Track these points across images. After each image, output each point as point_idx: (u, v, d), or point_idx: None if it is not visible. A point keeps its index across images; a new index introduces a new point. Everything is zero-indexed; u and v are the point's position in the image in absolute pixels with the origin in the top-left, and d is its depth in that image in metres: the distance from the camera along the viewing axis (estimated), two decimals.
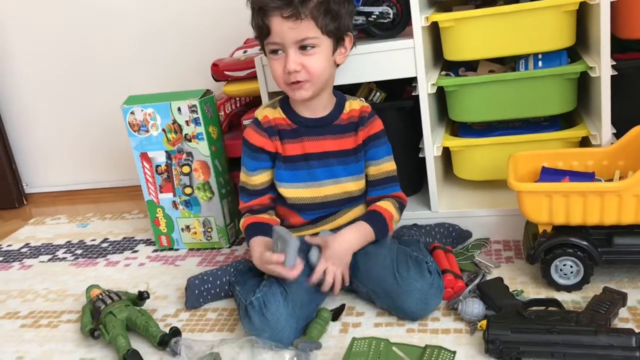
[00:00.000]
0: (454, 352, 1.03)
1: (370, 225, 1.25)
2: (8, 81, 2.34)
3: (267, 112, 1.30)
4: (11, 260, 1.85)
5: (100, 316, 1.30)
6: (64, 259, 1.80)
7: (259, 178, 1.31)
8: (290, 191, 1.30)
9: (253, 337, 1.12)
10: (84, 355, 1.27)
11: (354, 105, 1.31)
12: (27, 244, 1.96)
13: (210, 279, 1.40)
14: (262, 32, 1.18)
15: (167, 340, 1.21)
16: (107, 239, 1.90)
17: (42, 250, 1.89)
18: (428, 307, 1.19)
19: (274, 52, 1.20)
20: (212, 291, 1.39)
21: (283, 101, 1.30)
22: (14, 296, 1.60)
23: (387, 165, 1.32)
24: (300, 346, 1.08)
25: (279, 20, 1.14)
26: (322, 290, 1.20)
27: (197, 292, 1.39)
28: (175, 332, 1.22)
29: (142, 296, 1.36)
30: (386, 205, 1.30)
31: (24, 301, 1.56)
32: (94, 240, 1.91)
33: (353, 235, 1.24)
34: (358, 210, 1.35)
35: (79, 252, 1.83)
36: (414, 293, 1.17)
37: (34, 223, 2.16)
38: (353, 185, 1.31)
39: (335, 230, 1.32)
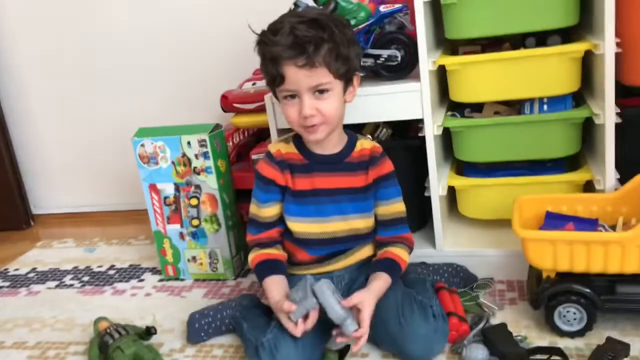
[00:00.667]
0: None
1: (390, 276, 1.26)
2: (18, 103, 2.37)
3: (280, 147, 1.32)
4: (18, 285, 1.86)
5: (108, 351, 1.31)
6: (71, 285, 1.81)
7: (269, 210, 1.32)
8: (298, 225, 1.31)
9: None
10: None
11: (365, 144, 1.33)
12: (34, 268, 1.98)
13: (211, 312, 1.42)
14: (276, 80, 1.19)
15: None
16: (113, 265, 1.92)
17: (50, 275, 1.91)
18: (432, 352, 1.20)
19: (288, 97, 1.22)
20: (213, 325, 1.40)
21: (296, 137, 1.32)
22: (21, 325, 1.61)
23: (396, 206, 1.34)
24: None
25: (294, 69, 1.16)
26: (353, 351, 1.19)
27: (197, 325, 1.40)
28: None
29: (149, 331, 1.37)
30: (401, 254, 1.31)
31: (31, 330, 1.57)
32: (100, 266, 1.92)
33: (379, 289, 1.23)
34: (366, 250, 1.36)
35: (85, 279, 1.85)
36: (418, 339, 1.18)
37: (42, 246, 2.18)
38: (361, 222, 1.32)
39: (346, 269, 1.34)
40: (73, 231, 2.31)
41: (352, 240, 1.34)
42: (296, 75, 1.16)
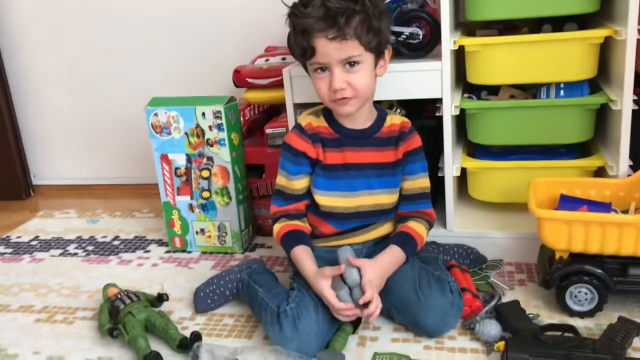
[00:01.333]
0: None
1: (403, 250, 1.26)
2: (24, 71, 2.34)
3: (311, 120, 1.31)
4: (21, 252, 1.85)
5: (119, 316, 1.31)
6: (75, 254, 1.81)
7: (300, 183, 1.31)
8: (326, 199, 1.31)
9: (277, 347, 1.14)
10: (101, 354, 1.28)
11: (395, 119, 1.34)
12: (37, 236, 1.97)
13: (215, 280, 1.43)
14: (306, 52, 1.18)
15: (186, 343, 1.23)
16: (118, 236, 1.91)
17: (53, 244, 1.90)
18: (447, 325, 1.21)
19: (318, 70, 1.21)
20: (218, 291, 1.41)
21: (325, 111, 1.32)
22: (27, 289, 1.60)
23: (421, 182, 1.34)
24: (324, 358, 1.10)
25: (324, 42, 1.15)
26: (367, 318, 1.17)
27: (202, 294, 1.41)
28: (197, 336, 1.24)
29: (161, 298, 1.37)
30: (418, 228, 1.31)
31: (37, 295, 1.57)
32: (105, 237, 1.92)
33: (390, 263, 1.24)
34: (389, 225, 1.37)
35: (90, 248, 1.84)
36: (434, 310, 1.20)
37: (43, 216, 2.16)
38: (387, 197, 1.33)
39: (364, 244, 1.35)
40: (74, 202, 2.30)
41: (376, 215, 1.34)
42: (326, 48, 1.16)
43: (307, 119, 1.32)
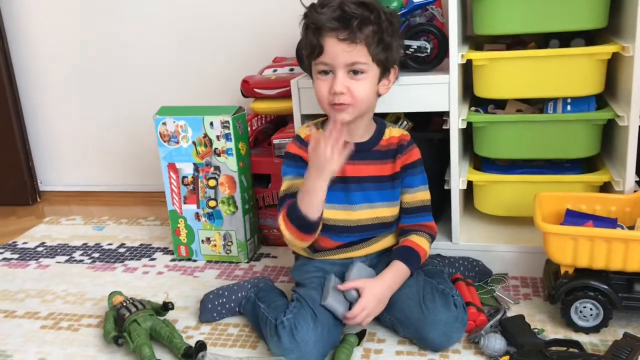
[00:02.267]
0: None
1: (407, 265, 1.27)
2: (32, 77, 2.36)
3: (310, 132, 1.32)
4: (27, 258, 1.86)
5: (124, 324, 1.31)
6: (81, 261, 1.81)
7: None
8: (326, 212, 1.30)
9: (281, 357, 1.14)
10: None
11: (394, 132, 1.34)
12: (43, 242, 1.98)
13: (226, 293, 1.42)
14: (314, 50, 1.19)
15: (190, 352, 1.23)
16: (124, 244, 1.92)
17: (59, 250, 1.90)
18: (451, 340, 1.21)
19: (322, 72, 1.22)
20: (227, 306, 1.41)
21: (325, 123, 1.33)
22: (33, 296, 1.61)
23: (421, 195, 1.35)
24: None
25: (334, 42, 1.17)
26: (347, 323, 1.22)
27: (210, 306, 1.41)
28: (201, 345, 1.24)
29: (166, 307, 1.38)
30: (421, 242, 1.32)
31: (43, 302, 1.57)
32: (110, 244, 1.92)
33: (393, 280, 1.25)
34: (390, 238, 1.37)
35: (96, 255, 1.85)
36: (438, 325, 1.20)
37: (49, 222, 2.17)
38: (387, 211, 1.33)
39: (367, 257, 1.35)
40: (80, 209, 2.31)
41: (377, 228, 1.34)
42: (335, 48, 1.17)
43: (306, 131, 1.34)
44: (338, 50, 1.17)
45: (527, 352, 1.13)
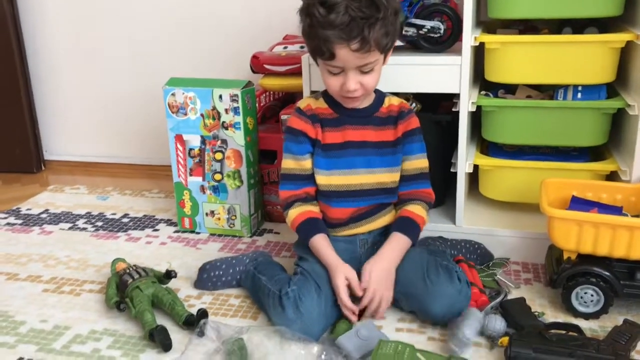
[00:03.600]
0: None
1: (406, 235, 1.28)
2: (41, 47, 2.35)
3: (310, 102, 1.34)
4: (31, 224, 1.87)
5: (126, 290, 1.32)
6: (84, 229, 1.82)
7: (307, 163, 1.33)
8: (327, 178, 1.32)
9: (282, 327, 1.15)
10: (107, 326, 1.29)
11: (393, 101, 1.35)
12: (47, 210, 1.98)
13: (223, 266, 1.43)
14: (324, 55, 1.17)
15: (192, 320, 1.24)
16: (127, 214, 1.92)
17: (62, 218, 1.91)
18: (454, 312, 1.21)
19: (332, 69, 1.21)
20: (223, 279, 1.42)
21: (325, 93, 1.33)
22: (36, 260, 1.62)
23: (420, 162, 1.36)
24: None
25: (346, 51, 1.14)
26: (368, 315, 1.22)
27: (205, 276, 1.43)
28: (203, 313, 1.25)
29: (169, 275, 1.38)
30: (417, 210, 1.33)
31: (45, 266, 1.58)
32: (114, 214, 1.93)
33: (393, 253, 1.26)
34: (390, 216, 1.38)
35: (99, 224, 1.85)
36: (442, 297, 1.20)
37: (53, 190, 2.17)
38: (387, 176, 1.34)
39: (370, 233, 1.36)
40: (84, 179, 2.31)
41: (379, 194, 1.35)
42: (347, 57, 1.15)
43: (306, 102, 1.35)
44: (350, 58, 1.16)
45: (527, 333, 1.13)
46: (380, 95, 1.35)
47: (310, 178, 1.33)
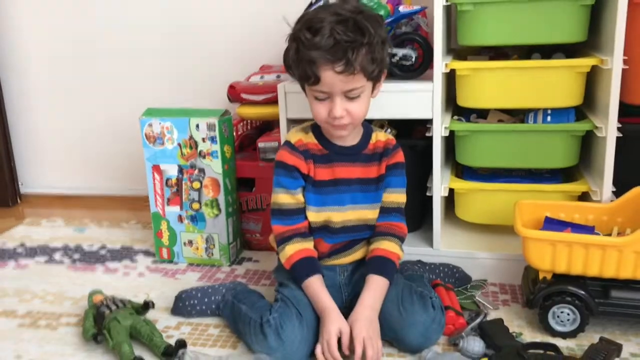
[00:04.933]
0: None
1: (383, 277, 1.27)
2: (16, 79, 2.35)
3: (301, 136, 1.32)
4: (6, 258, 1.84)
5: (104, 322, 1.30)
6: (61, 262, 1.80)
7: (301, 197, 1.32)
8: (316, 215, 1.32)
9: (262, 355, 1.14)
10: None
11: (380, 136, 1.36)
12: (23, 243, 1.96)
13: (199, 295, 1.43)
14: (309, 80, 1.18)
15: (171, 351, 1.23)
16: (105, 245, 1.90)
17: (38, 251, 1.88)
18: (429, 341, 1.22)
19: (318, 96, 1.21)
20: (198, 307, 1.42)
21: (314, 127, 1.33)
22: (10, 295, 1.59)
23: (398, 196, 1.36)
24: None
25: (331, 74, 1.15)
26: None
27: (181, 305, 1.43)
28: (182, 343, 1.24)
29: (147, 306, 1.37)
30: (392, 248, 1.32)
31: (21, 300, 1.56)
32: (91, 245, 1.91)
33: (373, 298, 1.24)
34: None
35: (76, 256, 1.83)
36: (416, 326, 1.21)
37: (29, 223, 2.15)
38: (370, 213, 1.34)
39: (351, 264, 1.37)
40: (61, 212, 2.28)
41: (361, 230, 1.35)
42: (332, 80, 1.16)
43: (297, 136, 1.33)
44: (336, 81, 1.16)
45: (505, 354, 1.14)
46: (367, 131, 1.35)
47: (303, 212, 1.32)
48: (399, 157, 1.36)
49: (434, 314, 1.22)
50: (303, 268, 1.28)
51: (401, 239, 1.36)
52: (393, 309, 1.24)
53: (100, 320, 1.32)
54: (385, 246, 1.32)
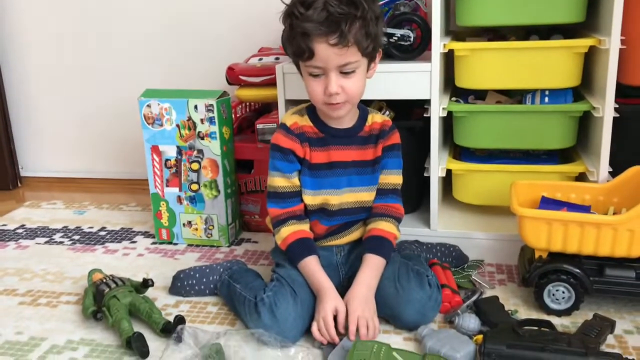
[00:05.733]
0: None
1: (380, 256, 1.27)
2: (16, 63, 2.35)
3: (296, 119, 1.31)
4: (7, 239, 1.85)
5: (103, 299, 1.32)
6: (61, 242, 1.81)
7: (297, 180, 1.32)
8: (313, 198, 1.32)
9: (260, 330, 1.15)
10: (84, 336, 1.29)
11: (376, 118, 1.36)
12: (23, 225, 1.97)
13: (197, 275, 1.44)
14: (304, 54, 1.17)
15: (169, 327, 1.24)
16: (104, 227, 1.92)
17: (39, 232, 1.90)
18: (425, 319, 1.23)
19: (313, 72, 1.20)
20: (196, 287, 1.43)
21: (309, 110, 1.33)
22: (11, 274, 1.61)
23: (395, 178, 1.37)
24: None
25: (325, 46, 1.14)
26: (361, 338, 1.16)
27: (179, 284, 1.44)
28: (180, 320, 1.25)
29: (146, 284, 1.38)
30: (389, 228, 1.32)
31: (21, 279, 1.57)
32: (91, 227, 1.92)
33: (371, 278, 1.25)
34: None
35: (76, 237, 1.84)
36: (412, 303, 1.22)
37: (30, 206, 2.16)
38: (367, 195, 1.35)
39: (348, 244, 1.38)
40: (61, 195, 2.30)
41: (358, 212, 1.36)
42: (326, 52, 1.15)
43: (292, 119, 1.32)
44: (330, 54, 1.15)
45: (500, 330, 1.15)
46: (363, 114, 1.35)
47: (299, 195, 1.32)
48: (395, 138, 1.36)
49: (430, 292, 1.23)
50: (299, 249, 1.29)
51: (398, 220, 1.37)
52: (389, 286, 1.25)
53: (100, 298, 1.33)
54: (382, 226, 1.33)
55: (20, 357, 1.22)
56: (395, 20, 1.50)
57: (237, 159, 1.77)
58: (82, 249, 1.75)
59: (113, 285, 1.35)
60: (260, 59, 1.88)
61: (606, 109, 1.38)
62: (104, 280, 1.36)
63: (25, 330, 1.32)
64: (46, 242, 1.81)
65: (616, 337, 1.20)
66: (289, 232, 1.30)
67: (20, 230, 1.92)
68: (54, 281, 1.55)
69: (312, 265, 1.27)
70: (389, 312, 1.26)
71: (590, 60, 1.48)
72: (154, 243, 1.77)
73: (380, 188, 1.36)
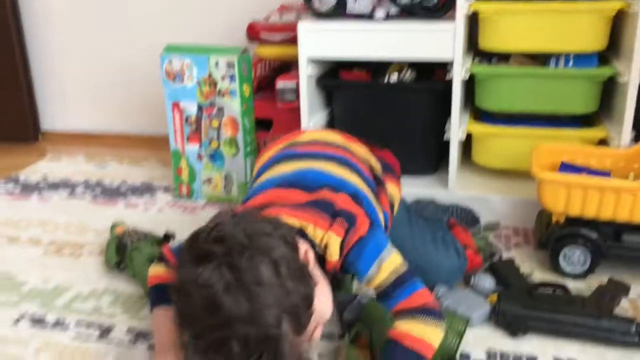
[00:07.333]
0: (467, 320, 1.10)
1: None
2: (37, 17, 2.35)
3: None
4: (29, 191, 1.89)
5: (126, 251, 1.35)
6: (82, 196, 1.84)
7: None
8: None
9: None
10: (108, 286, 1.33)
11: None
12: (45, 178, 2.00)
13: None
14: None
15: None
16: (125, 181, 1.95)
17: (61, 185, 1.93)
18: (447, 284, 1.22)
19: None
20: None
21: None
22: (35, 225, 1.64)
23: (385, 267, 0.99)
24: None
25: None
26: None
27: None
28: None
29: (167, 237, 1.41)
30: (423, 333, 0.93)
31: (45, 231, 1.61)
32: (112, 182, 1.95)
33: None
34: None
35: (97, 190, 1.87)
36: (440, 273, 1.21)
37: (51, 159, 2.19)
38: None
39: None
40: (81, 149, 2.32)
41: None
42: None
43: None
44: None
45: (515, 291, 1.17)
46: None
47: None
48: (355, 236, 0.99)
49: (458, 263, 1.23)
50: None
51: (432, 313, 0.95)
52: (417, 255, 1.17)
53: (122, 250, 1.36)
54: (414, 330, 0.93)
55: (46, 304, 1.26)
56: None
57: (257, 117, 1.77)
58: (103, 202, 1.78)
59: (135, 238, 1.37)
60: (281, 17, 1.87)
61: (632, 74, 1.36)
62: (127, 233, 1.39)
63: (50, 279, 1.36)
64: (68, 195, 1.85)
65: (630, 301, 1.21)
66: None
67: (42, 184, 1.95)
68: (77, 233, 1.59)
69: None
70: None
71: (617, 24, 1.45)
72: (174, 198, 1.80)
73: (382, 289, 0.98)
